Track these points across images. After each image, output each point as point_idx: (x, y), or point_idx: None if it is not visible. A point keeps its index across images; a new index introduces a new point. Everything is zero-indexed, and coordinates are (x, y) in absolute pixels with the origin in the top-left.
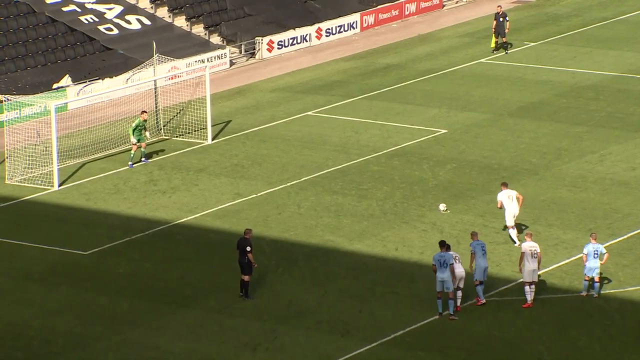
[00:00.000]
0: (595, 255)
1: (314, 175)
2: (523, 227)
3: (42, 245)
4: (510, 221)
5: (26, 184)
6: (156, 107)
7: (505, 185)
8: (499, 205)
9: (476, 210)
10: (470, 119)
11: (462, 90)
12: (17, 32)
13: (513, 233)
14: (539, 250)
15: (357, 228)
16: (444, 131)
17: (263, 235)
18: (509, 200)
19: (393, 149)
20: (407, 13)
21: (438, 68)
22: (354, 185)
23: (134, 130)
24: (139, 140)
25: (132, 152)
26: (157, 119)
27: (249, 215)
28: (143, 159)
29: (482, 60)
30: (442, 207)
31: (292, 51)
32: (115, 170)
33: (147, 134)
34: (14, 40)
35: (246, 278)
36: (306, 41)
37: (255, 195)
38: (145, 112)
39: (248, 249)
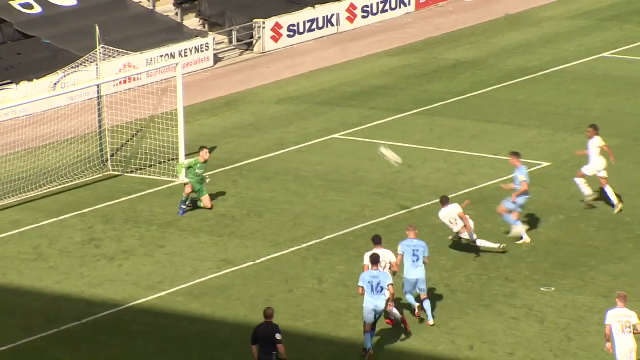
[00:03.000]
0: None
1: (344, 232)
2: None
3: None
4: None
5: None
6: (100, 127)
7: (444, 201)
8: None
9: (596, 287)
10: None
11: (574, 100)
12: None
13: None
14: (635, 322)
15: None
16: (546, 164)
17: None
18: (450, 225)
19: (466, 191)
20: None
21: (536, 67)
22: None
23: (187, 169)
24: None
25: (185, 194)
26: (101, 144)
27: (244, 293)
28: (183, 207)
29: (605, 54)
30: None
31: (311, 41)
32: (35, 225)
33: (207, 179)
34: None
35: None
36: (332, 25)
37: (252, 263)
38: (206, 148)
39: (278, 337)
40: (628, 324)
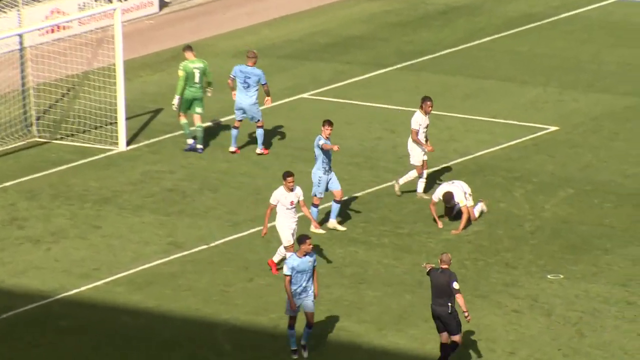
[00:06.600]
0: None
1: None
2: None
3: None
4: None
5: None
6: (23, 85)
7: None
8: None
9: (613, 274)
10: (601, 105)
11: (586, 52)
12: None
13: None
14: None
15: (393, 307)
16: (552, 128)
17: (220, 319)
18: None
19: (459, 160)
20: None
21: (542, 13)
22: (387, 227)
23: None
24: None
25: (182, 121)
26: (24, 106)
27: (195, 282)
28: (191, 142)
29: None
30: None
31: None
32: None
33: (209, 90)
34: None
35: (457, 338)
36: None
37: (205, 246)
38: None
39: (456, 286)
40: None
